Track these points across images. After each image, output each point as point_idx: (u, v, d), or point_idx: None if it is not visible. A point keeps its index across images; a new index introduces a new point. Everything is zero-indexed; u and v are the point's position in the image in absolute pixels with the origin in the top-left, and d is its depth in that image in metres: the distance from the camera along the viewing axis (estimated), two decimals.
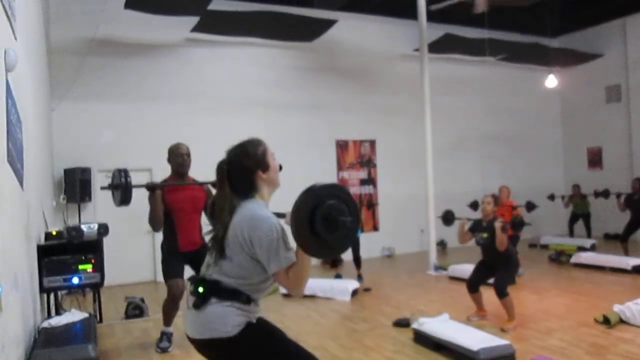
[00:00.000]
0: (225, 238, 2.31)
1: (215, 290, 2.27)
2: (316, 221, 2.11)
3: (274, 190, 2.48)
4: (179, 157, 4.91)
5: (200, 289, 2.29)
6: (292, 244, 2.21)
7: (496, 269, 5.51)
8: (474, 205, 9.14)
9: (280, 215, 2.34)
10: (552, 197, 11.07)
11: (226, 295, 2.26)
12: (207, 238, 2.45)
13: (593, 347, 4.66)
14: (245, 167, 2.38)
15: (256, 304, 2.35)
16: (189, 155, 4.95)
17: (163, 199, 4.75)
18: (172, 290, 4.80)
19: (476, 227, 5.76)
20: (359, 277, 7.91)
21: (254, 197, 2.38)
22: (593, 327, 5.27)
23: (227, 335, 2.22)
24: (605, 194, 10.37)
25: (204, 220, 4.67)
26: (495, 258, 5.54)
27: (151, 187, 4.75)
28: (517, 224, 5.66)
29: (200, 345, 2.32)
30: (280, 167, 2.50)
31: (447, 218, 6.52)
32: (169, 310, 4.92)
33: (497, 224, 5.38)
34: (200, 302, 2.26)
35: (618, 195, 9.82)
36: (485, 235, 5.58)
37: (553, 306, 6.26)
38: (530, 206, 9.17)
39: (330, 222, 2.12)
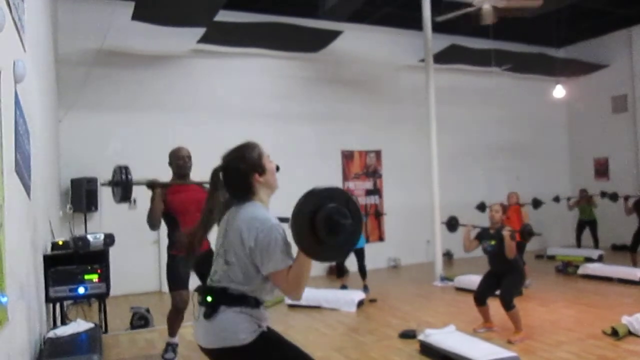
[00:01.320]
0: (225, 243, 2.33)
1: (223, 298, 2.27)
2: (317, 224, 2.11)
3: (272, 193, 2.48)
4: (180, 160, 4.90)
5: (209, 298, 2.30)
6: (294, 248, 2.21)
7: (502, 279, 5.48)
8: (481, 207, 9.12)
9: (284, 220, 2.34)
10: (557, 199, 10.98)
11: (235, 302, 2.26)
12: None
13: None
14: (241, 171, 2.39)
15: (265, 308, 2.35)
16: (189, 157, 4.96)
17: (165, 199, 4.75)
18: (176, 301, 4.79)
19: (483, 235, 5.74)
20: (365, 288, 7.88)
21: (253, 201, 2.39)
22: (601, 339, 5.21)
23: (240, 343, 2.23)
24: (614, 196, 10.29)
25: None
26: (502, 267, 5.50)
27: (152, 185, 4.75)
28: (527, 233, 5.60)
29: (215, 355, 2.32)
30: (278, 168, 2.50)
31: (451, 224, 6.48)
32: (174, 321, 4.91)
33: (506, 232, 5.36)
34: (210, 311, 2.27)
35: (626, 199, 9.73)
36: (492, 242, 5.54)
37: (560, 318, 6.21)
38: (536, 203, 9.17)
39: (331, 225, 2.12)
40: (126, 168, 4.51)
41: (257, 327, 2.28)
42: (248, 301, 2.27)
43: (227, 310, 2.25)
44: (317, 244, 2.14)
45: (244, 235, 2.25)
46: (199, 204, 4.84)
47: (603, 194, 10.60)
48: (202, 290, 2.36)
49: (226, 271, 2.31)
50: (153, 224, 4.80)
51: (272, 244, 2.21)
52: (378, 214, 10.63)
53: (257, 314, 2.29)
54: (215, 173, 2.44)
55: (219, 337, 2.26)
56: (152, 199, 4.72)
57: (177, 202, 4.80)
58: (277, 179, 2.49)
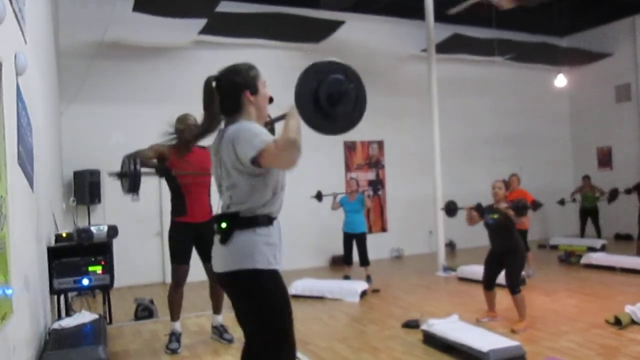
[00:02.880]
0: (222, 169, 2.35)
1: (236, 222, 2.31)
2: (320, 94, 2.11)
3: (261, 122, 2.46)
4: (186, 127, 4.83)
5: (223, 225, 2.33)
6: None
7: (505, 261, 5.49)
8: (479, 209, 9.09)
9: (281, 118, 2.33)
10: (562, 202, 10.93)
11: (248, 223, 2.30)
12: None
13: (604, 349, 4.62)
14: (234, 84, 2.39)
15: (278, 223, 2.38)
16: (196, 126, 4.95)
17: (167, 157, 4.82)
18: (176, 274, 4.87)
19: (486, 208, 5.74)
20: (368, 279, 7.89)
21: (239, 121, 2.38)
22: (604, 328, 5.22)
23: (254, 266, 2.26)
24: (614, 194, 10.22)
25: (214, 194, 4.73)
26: (503, 245, 5.51)
27: (160, 170, 4.85)
28: (520, 207, 5.53)
29: (229, 278, 2.34)
30: (271, 99, 2.50)
31: (450, 208, 6.47)
32: (174, 298, 4.95)
33: (502, 205, 5.41)
34: (225, 236, 2.31)
35: (628, 192, 9.68)
36: (495, 216, 5.55)
37: (563, 307, 6.21)
38: (536, 205, 9.09)
39: (335, 95, 2.14)
40: (134, 158, 4.50)
41: (272, 260, 2.31)
42: (260, 220, 2.30)
43: (242, 233, 2.28)
44: (326, 118, 2.14)
45: (236, 148, 2.26)
46: (202, 167, 4.85)
47: (611, 197, 10.32)
48: (216, 218, 2.39)
49: (232, 196, 2.33)
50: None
51: (254, 132, 2.23)
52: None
53: (270, 233, 2.32)
54: (208, 82, 2.43)
55: (234, 259, 2.29)
56: (160, 170, 4.81)
57: (180, 167, 4.82)
58: (267, 108, 2.49)
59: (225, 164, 2.34)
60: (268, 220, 2.32)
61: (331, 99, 2.12)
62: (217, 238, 2.36)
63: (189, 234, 4.89)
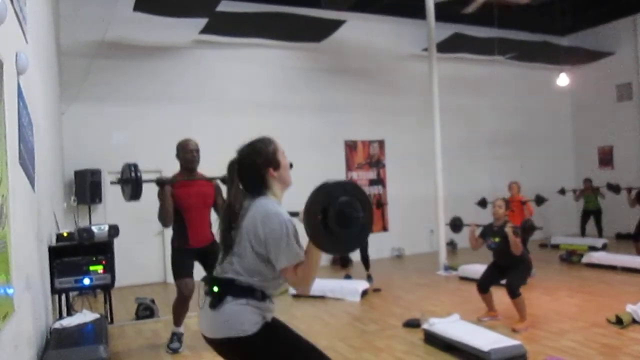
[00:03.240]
0: (236, 235, 2.33)
1: (230, 289, 2.29)
2: (329, 217, 2.11)
3: (285, 189, 2.49)
4: (188, 153, 4.92)
5: (216, 288, 2.31)
6: (304, 242, 2.22)
7: (509, 271, 5.47)
8: (482, 203, 9.10)
9: (294, 214, 2.35)
10: (562, 192, 10.96)
11: (241, 293, 2.28)
12: (217, 235, 2.47)
13: (605, 348, 4.62)
14: (256, 165, 2.40)
15: (271, 301, 2.36)
16: (197, 151, 4.97)
17: (172, 194, 4.76)
18: (182, 290, 4.81)
19: (487, 232, 5.72)
20: (369, 278, 7.89)
21: (267, 195, 2.40)
22: (605, 327, 5.22)
23: (245, 334, 2.24)
24: (617, 189, 10.25)
25: (214, 216, 4.69)
26: (508, 261, 5.50)
27: (161, 182, 4.76)
28: (528, 228, 5.58)
29: (218, 345, 2.33)
30: (291, 165, 2.52)
31: (455, 225, 6.46)
32: (179, 310, 4.94)
33: (508, 230, 5.34)
34: (216, 301, 2.28)
35: (629, 191, 9.72)
36: (496, 239, 5.54)
37: (565, 307, 6.21)
38: (539, 200, 9.11)
39: (344, 219, 2.12)
40: (135, 166, 4.51)
41: (262, 319, 2.29)
42: (254, 294, 2.28)
43: (233, 301, 2.26)
44: (330, 237, 2.14)
45: (258, 230, 2.26)
46: (204, 197, 4.88)
47: (609, 186, 10.49)
48: (209, 280, 2.37)
49: (234, 263, 2.31)
50: (165, 221, 4.81)
51: (283, 240, 2.23)
52: (380, 204, 10.61)
53: (262, 306, 2.30)
54: (231, 165, 2.45)
55: (223, 327, 2.27)
56: (161, 196, 4.73)
57: (182, 196, 4.81)
58: (290, 175, 2.50)
59: (242, 233, 2.32)
60: (262, 295, 2.31)
61: (342, 222, 2.13)
62: (207, 301, 2.34)
63: (190, 255, 4.89)
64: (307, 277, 2.26)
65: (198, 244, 4.85)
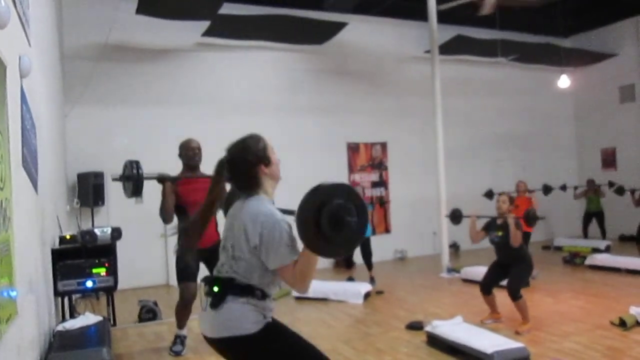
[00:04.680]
0: (232, 235, 2.34)
1: (230, 288, 2.29)
2: (322, 220, 2.11)
3: (276, 185, 2.49)
4: (189, 151, 4.95)
5: (216, 288, 2.31)
6: (300, 242, 2.21)
7: (510, 270, 5.47)
8: (489, 195, 9.07)
9: (289, 212, 2.34)
10: (564, 188, 10.91)
11: (241, 292, 2.28)
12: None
13: (609, 350, 4.60)
14: (247, 162, 2.39)
15: (271, 300, 2.37)
16: (199, 149, 4.99)
17: (176, 191, 4.78)
18: (184, 293, 4.81)
19: (491, 226, 5.72)
20: (372, 280, 7.89)
21: (258, 194, 2.39)
22: (609, 329, 5.20)
23: (246, 332, 2.25)
24: (620, 190, 10.20)
25: (220, 215, 4.69)
26: (510, 258, 5.49)
27: (162, 179, 4.77)
28: (531, 217, 5.59)
29: (219, 344, 2.33)
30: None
31: (455, 216, 6.43)
32: (181, 313, 4.93)
33: (510, 220, 5.35)
34: (217, 301, 2.28)
35: (632, 192, 9.69)
36: (500, 233, 5.53)
37: (568, 309, 6.19)
38: (547, 189, 9.17)
39: (336, 222, 2.11)
40: (137, 162, 4.51)
41: (263, 318, 2.30)
42: (254, 293, 2.29)
43: (234, 300, 2.27)
44: (322, 240, 2.13)
45: (249, 231, 2.26)
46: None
47: (611, 184, 10.51)
48: (209, 280, 2.37)
49: (232, 265, 2.32)
50: (165, 218, 4.83)
51: (276, 239, 2.22)
52: (382, 203, 10.60)
53: (263, 305, 2.31)
54: (220, 164, 2.45)
55: (224, 326, 2.27)
56: (163, 193, 4.75)
57: (187, 194, 4.82)
58: (280, 170, 2.50)
59: (236, 237, 2.33)
60: (262, 294, 2.30)
61: (334, 225, 2.12)
62: (207, 301, 2.34)
63: (196, 256, 4.88)
64: (304, 277, 2.24)
65: (204, 244, 4.84)
